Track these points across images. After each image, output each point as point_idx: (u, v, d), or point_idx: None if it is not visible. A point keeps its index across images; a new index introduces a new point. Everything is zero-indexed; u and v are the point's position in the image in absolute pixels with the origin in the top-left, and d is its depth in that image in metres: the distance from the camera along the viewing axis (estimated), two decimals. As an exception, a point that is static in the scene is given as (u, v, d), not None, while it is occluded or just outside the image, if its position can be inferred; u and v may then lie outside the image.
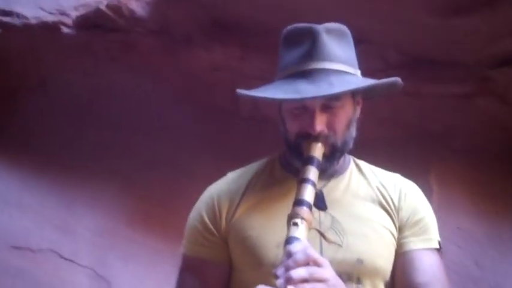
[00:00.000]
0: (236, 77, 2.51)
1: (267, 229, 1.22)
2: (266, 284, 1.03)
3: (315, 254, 1.04)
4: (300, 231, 1.08)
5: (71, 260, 2.43)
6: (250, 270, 1.22)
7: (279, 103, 1.27)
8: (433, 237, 1.28)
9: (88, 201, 2.53)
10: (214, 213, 1.29)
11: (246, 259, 1.23)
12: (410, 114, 2.54)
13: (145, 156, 2.54)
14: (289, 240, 1.06)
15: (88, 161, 2.52)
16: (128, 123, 2.54)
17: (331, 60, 1.19)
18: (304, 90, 1.16)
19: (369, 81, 1.22)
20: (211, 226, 1.29)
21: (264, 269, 1.18)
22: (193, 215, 1.34)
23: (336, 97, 1.19)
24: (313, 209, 1.15)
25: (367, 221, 1.24)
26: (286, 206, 1.14)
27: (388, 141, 2.25)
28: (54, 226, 2.48)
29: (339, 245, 1.20)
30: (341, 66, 1.21)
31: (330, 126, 1.21)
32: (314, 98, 1.17)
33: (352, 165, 1.34)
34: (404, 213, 1.27)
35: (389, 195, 1.29)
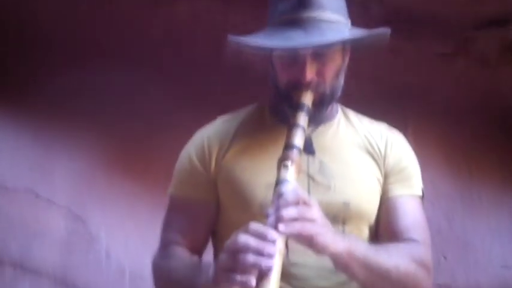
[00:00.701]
0: (218, 29, 2.48)
1: (256, 171, 1.26)
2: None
3: (304, 195, 1.07)
4: (290, 173, 1.11)
5: (47, 200, 2.43)
6: (239, 210, 1.26)
7: (269, 51, 1.27)
8: (416, 184, 1.33)
9: (67, 143, 2.49)
10: (204, 154, 1.32)
11: (236, 199, 1.27)
12: (389, 71, 2.55)
13: (127, 104, 2.52)
14: (279, 182, 1.10)
15: (68, 103, 2.48)
16: (109, 70, 2.51)
17: (323, 9, 1.19)
18: (297, 38, 1.16)
19: (360, 32, 1.23)
20: (200, 166, 1.32)
21: (253, 209, 1.22)
22: (183, 156, 1.36)
23: (327, 46, 1.20)
24: (302, 153, 1.17)
25: (355, 167, 1.29)
26: (276, 151, 1.17)
27: (366, 96, 2.25)
28: (30, 166, 2.46)
29: (327, 187, 1.25)
30: (333, 15, 1.21)
31: (320, 74, 1.23)
32: (306, 48, 1.18)
33: (340, 113, 1.38)
34: (390, 161, 1.32)
35: (376, 143, 1.33)
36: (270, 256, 0.97)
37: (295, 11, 1.19)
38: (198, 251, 1.35)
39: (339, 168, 1.27)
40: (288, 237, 1.04)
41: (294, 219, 1.03)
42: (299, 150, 1.15)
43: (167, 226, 1.36)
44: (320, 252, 1.07)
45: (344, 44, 1.25)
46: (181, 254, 1.30)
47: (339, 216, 1.24)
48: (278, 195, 1.06)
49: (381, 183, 1.31)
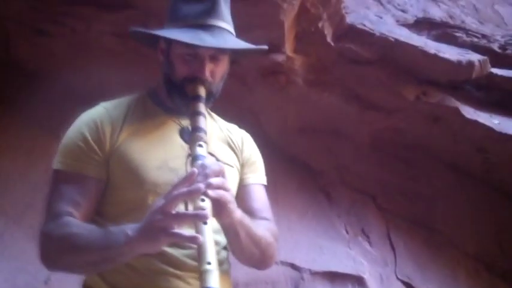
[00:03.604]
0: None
1: (148, 153, 1.41)
2: (145, 201, 1.32)
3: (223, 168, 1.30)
4: (204, 150, 1.33)
5: None
6: (132, 188, 1.38)
7: (165, 48, 1.46)
8: (263, 175, 1.62)
9: None
10: (98, 135, 1.41)
11: (129, 179, 1.39)
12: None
13: None
14: (196, 158, 1.31)
15: None
16: None
17: (224, 20, 1.43)
18: (207, 40, 1.38)
19: (248, 44, 1.49)
20: (95, 146, 1.40)
21: (145, 187, 1.37)
22: (74, 135, 1.43)
23: (223, 51, 1.44)
24: None
25: (222, 157, 1.50)
26: (161, 136, 1.43)
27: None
28: None
29: None
30: (230, 27, 1.45)
31: (212, 74, 1.44)
32: (223, 48, 1.42)
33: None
34: (245, 154, 1.59)
35: (236, 139, 1.59)
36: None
37: (204, 18, 1.40)
38: None
39: (212, 157, 1.45)
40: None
41: (219, 187, 1.25)
42: (205, 132, 1.36)
43: (58, 198, 1.38)
44: (225, 217, 1.31)
45: (231, 53, 1.48)
46: (80, 222, 1.35)
47: None
48: (203, 166, 1.26)
49: (239, 173, 1.56)
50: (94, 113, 1.46)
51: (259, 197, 1.56)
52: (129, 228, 1.23)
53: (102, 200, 1.42)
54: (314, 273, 2.79)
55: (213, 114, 1.61)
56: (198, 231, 1.20)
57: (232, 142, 1.58)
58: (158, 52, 1.50)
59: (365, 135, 3.21)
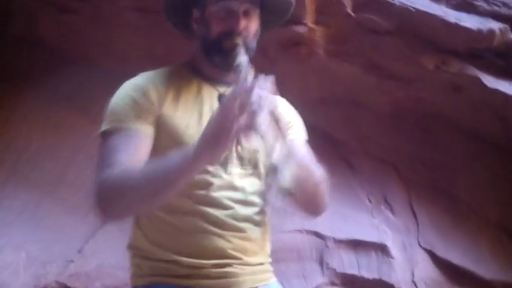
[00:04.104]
0: None
1: (189, 120, 1.44)
2: None
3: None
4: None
5: None
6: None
7: (199, 15, 1.50)
8: (303, 132, 1.63)
9: None
10: (145, 98, 1.44)
11: (171, 145, 1.37)
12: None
13: None
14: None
15: None
16: None
17: None
18: None
19: None
20: (144, 107, 1.43)
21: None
22: (121, 99, 1.46)
23: (255, 5, 1.48)
24: None
25: None
26: (200, 103, 1.47)
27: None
28: None
29: None
30: None
31: (246, 29, 1.47)
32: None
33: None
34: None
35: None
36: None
37: None
38: None
39: None
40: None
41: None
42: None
43: (111, 151, 1.39)
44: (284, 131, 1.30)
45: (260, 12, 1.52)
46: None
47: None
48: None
49: None
50: (139, 79, 1.50)
51: (303, 150, 1.57)
52: (189, 147, 1.26)
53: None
54: (338, 241, 2.83)
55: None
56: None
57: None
58: (192, 23, 1.54)
59: (385, 105, 3.23)
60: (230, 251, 1.41)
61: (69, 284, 2.25)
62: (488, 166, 3.29)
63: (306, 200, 1.48)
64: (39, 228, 2.36)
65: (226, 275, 1.40)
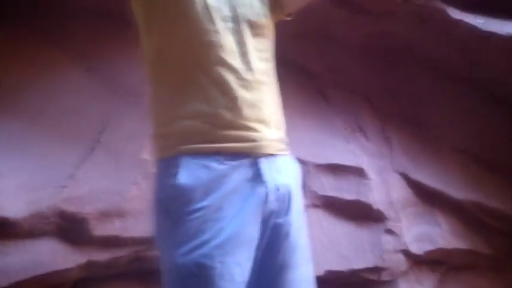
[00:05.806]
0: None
1: None
2: None
3: None
4: None
5: None
6: None
7: None
8: None
9: None
10: None
11: None
12: None
13: None
14: None
15: None
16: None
17: None
18: None
19: None
20: None
21: None
22: None
23: None
24: None
25: None
26: None
27: None
28: None
29: None
30: None
31: None
32: None
33: None
34: None
35: None
36: None
37: None
38: None
39: None
40: None
41: None
42: None
43: None
44: None
45: None
46: None
47: None
48: None
49: None
50: None
51: None
52: None
53: None
54: (318, 166, 2.93)
55: None
56: None
57: None
58: None
59: (355, 39, 3.32)
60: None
61: (64, 208, 2.25)
62: (452, 97, 3.46)
63: None
64: (26, 157, 2.34)
65: (255, 139, 1.50)
